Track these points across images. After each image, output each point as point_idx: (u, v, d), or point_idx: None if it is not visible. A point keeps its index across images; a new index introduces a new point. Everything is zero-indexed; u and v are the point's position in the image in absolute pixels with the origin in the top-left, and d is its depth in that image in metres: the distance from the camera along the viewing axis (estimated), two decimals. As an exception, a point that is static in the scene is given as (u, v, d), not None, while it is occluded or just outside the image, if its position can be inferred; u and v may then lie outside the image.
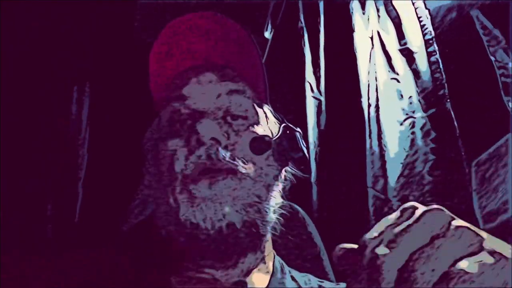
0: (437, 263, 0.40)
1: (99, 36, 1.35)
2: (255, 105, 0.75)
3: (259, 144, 0.69)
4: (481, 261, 0.40)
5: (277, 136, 0.72)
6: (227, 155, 0.67)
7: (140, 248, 0.74)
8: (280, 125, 0.75)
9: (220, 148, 0.67)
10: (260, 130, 0.72)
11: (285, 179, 0.76)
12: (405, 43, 1.50)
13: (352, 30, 1.51)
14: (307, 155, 0.75)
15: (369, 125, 1.41)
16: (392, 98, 1.45)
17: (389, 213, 0.45)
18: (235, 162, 0.67)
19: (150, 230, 0.74)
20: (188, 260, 0.68)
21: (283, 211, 0.73)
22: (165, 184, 0.69)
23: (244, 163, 0.68)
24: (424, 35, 1.49)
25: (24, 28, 1.30)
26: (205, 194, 0.65)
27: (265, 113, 0.77)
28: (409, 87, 1.45)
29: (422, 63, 1.46)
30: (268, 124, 0.76)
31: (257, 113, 0.74)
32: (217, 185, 0.65)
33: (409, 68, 1.47)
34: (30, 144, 1.24)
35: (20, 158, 1.22)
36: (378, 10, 1.55)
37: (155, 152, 0.73)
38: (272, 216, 0.70)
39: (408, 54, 1.49)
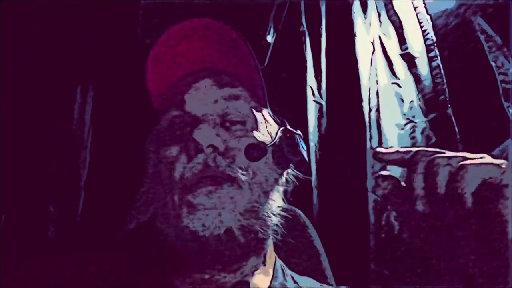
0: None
1: (102, 38, 1.35)
2: (253, 109, 0.75)
3: (254, 151, 0.69)
4: None
5: (274, 141, 0.72)
6: (226, 163, 0.67)
7: (140, 250, 0.75)
8: (279, 128, 0.76)
9: (218, 156, 0.67)
10: (258, 135, 0.72)
11: (287, 182, 0.76)
12: (406, 48, 1.50)
13: (354, 35, 1.51)
14: (306, 157, 0.75)
15: (370, 129, 1.41)
16: (393, 103, 1.45)
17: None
18: (234, 170, 0.67)
19: (150, 232, 0.74)
20: (188, 263, 0.69)
21: (284, 214, 0.73)
22: (164, 190, 0.69)
23: (242, 169, 0.68)
24: (425, 40, 1.49)
25: (26, 30, 1.30)
26: (204, 202, 0.65)
27: (264, 117, 0.77)
28: (410, 92, 1.45)
29: (423, 68, 1.47)
30: (267, 128, 0.76)
31: (255, 118, 0.74)
32: (216, 193, 0.66)
33: (410, 73, 1.48)
34: (32, 146, 1.24)
35: (22, 159, 1.22)
36: (379, 15, 1.56)
37: (155, 158, 0.73)
38: (274, 220, 0.71)
39: (409, 59, 1.49)
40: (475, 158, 0.53)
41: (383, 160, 0.58)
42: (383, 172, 0.57)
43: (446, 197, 0.51)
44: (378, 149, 0.58)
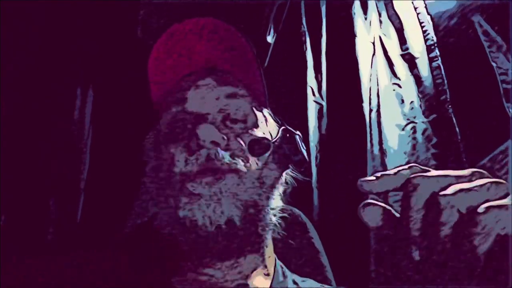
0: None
1: (102, 38, 1.35)
2: (254, 108, 0.75)
3: (258, 146, 0.69)
4: None
5: (276, 139, 0.72)
6: (226, 155, 0.67)
7: (141, 250, 0.74)
8: (279, 128, 0.76)
9: (219, 150, 0.67)
10: (259, 133, 0.73)
11: (286, 183, 0.76)
12: (407, 49, 1.50)
13: (354, 35, 1.51)
14: (306, 157, 0.76)
15: (370, 130, 1.41)
16: (393, 103, 1.45)
17: None
18: (235, 161, 0.68)
19: (151, 232, 0.74)
20: (189, 259, 0.69)
21: (283, 215, 0.73)
22: (165, 186, 0.69)
23: (244, 161, 0.68)
24: (426, 41, 1.49)
25: (26, 30, 1.30)
26: (205, 192, 0.65)
27: (264, 116, 0.77)
28: (411, 92, 1.45)
29: (423, 68, 1.46)
30: (267, 128, 0.76)
31: (256, 116, 0.75)
32: (217, 183, 0.66)
33: (410, 74, 1.48)
34: (32, 146, 1.24)
35: (22, 160, 1.22)
36: (380, 15, 1.56)
37: (156, 155, 0.73)
38: (273, 219, 0.71)
39: (409, 60, 1.49)
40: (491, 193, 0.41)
41: (370, 192, 0.47)
42: (370, 200, 0.46)
43: (451, 245, 0.41)
44: (362, 179, 0.47)
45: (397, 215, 0.45)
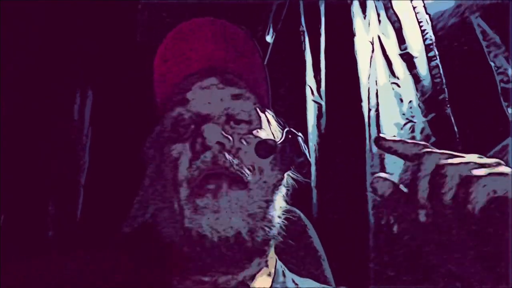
0: None
1: (102, 38, 1.35)
2: (257, 109, 0.75)
3: (264, 147, 0.69)
4: None
5: (280, 141, 0.72)
6: (234, 162, 0.67)
7: (141, 250, 0.75)
8: (283, 129, 0.76)
9: (226, 153, 0.67)
10: (263, 134, 0.73)
11: (287, 184, 0.76)
12: (406, 48, 1.50)
13: (353, 34, 1.51)
14: (309, 159, 0.76)
15: (369, 129, 1.41)
16: (392, 103, 1.45)
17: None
18: (241, 170, 0.67)
19: (150, 232, 0.74)
20: (192, 267, 0.69)
21: (286, 215, 0.73)
22: (169, 189, 0.69)
23: (250, 170, 0.68)
24: (424, 40, 1.49)
25: (26, 30, 1.30)
26: (212, 205, 0.65)
27: (267, 118, 0.77)
28: (409, 92, 1.46)
29: (422, 68, 1.47)
30: (270, 129, 0.76)
31: (259, 117, 0.75)
32: (223, 196, 0.65)
33: (409, 73, 1.48)
34: (32, 147, 1.24)
35: (22, 160, 1.22)
36: (378, 15, 1.56)
37: (158, 156, 0.73)
38: (277, 221, 0.71)
39: (408, 59, 1.49)
40: (487, 165, 0.48)
41: (385, 148, 0.54)
42: (381, 174, 0.54)
43: (452, 207, 0.47)
44: (382, 135, 0.54)
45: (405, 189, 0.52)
